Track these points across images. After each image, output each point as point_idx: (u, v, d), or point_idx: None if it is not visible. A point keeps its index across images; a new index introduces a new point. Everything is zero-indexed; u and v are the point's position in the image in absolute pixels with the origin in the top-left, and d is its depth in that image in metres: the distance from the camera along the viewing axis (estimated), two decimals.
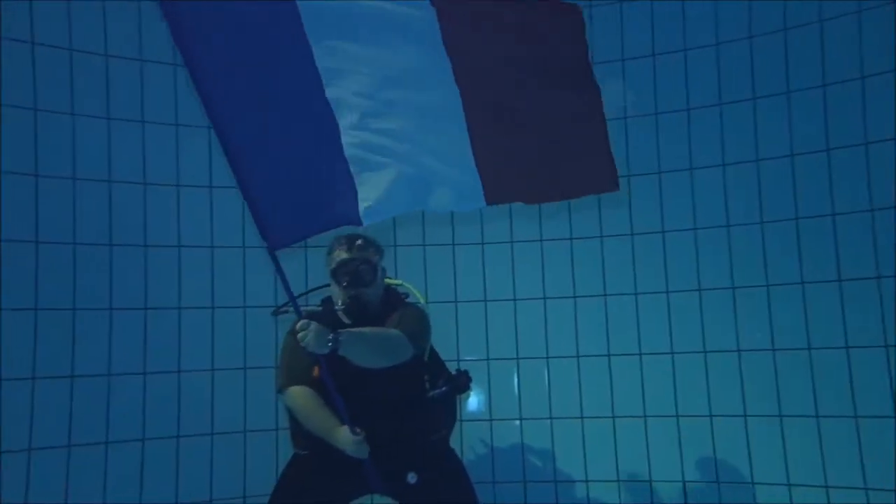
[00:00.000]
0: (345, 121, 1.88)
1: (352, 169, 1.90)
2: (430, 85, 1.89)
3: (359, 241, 2.40)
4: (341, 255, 2.38)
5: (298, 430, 2.36)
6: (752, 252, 3.23)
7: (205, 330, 3.27)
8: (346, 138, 1.89)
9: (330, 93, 1.86)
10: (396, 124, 1.90)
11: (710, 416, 3.25)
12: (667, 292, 3.37)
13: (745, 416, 3.20)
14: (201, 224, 3.30)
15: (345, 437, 2.19)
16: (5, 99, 2.89)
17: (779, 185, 3.20)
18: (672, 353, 3.34)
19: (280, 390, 2.37)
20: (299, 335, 1.96)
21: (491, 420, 3.47)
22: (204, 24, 1.74)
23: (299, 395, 2.29)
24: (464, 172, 1.93)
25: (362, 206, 1.91)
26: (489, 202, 1.95)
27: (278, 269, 1.99)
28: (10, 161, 2.90)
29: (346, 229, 2.12)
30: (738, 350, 3.24)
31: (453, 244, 3.57)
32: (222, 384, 3.28)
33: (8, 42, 2.91)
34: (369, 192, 1.90)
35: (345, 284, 2.35)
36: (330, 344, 1.97)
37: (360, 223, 1.93)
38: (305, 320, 1.98)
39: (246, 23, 1.80)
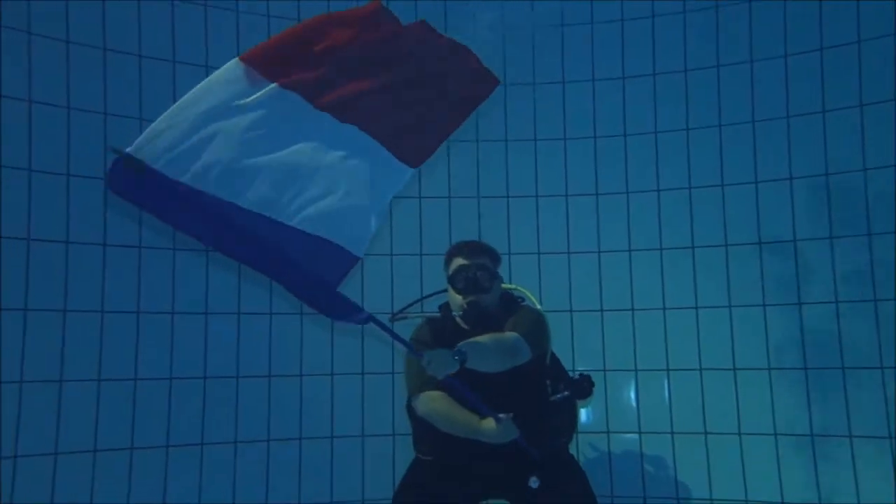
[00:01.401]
0: (282, 214, 1.92)
1: (310, 231, 1.94)
2: (308, 130, 1.93)
3: (476, 248, 2.41)
4: (459, 261, 2.40)
5: (424, 436, 2.39)
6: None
7: (324, 336, 3.37)
8: (291, 221, 1.92)
9: (266, 212, 1.89)
10: (313, 180, 1.95)
11: (850, 436, 3.03)
12: (798, 304, 3.18)
13: (892, 437, 2.96)
14: None
15: (491, 425, 2.17)
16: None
17: None
18: (805, 368, 3.14)
19: (412, 397, 2.38)
20: (427, 369, 1.97)
21: (608, 432, 3.38)
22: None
23: (435, 398, 2.30)
24: (381, 164, 2.00)
25: (345, 247, 1.97)
26: (414, 166, 2.03)
27: (391, 332, 2.01)
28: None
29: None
30: (882, 367, 3.00)
31: (568, 252, 3.52)
32: (341, 388, 3.36)
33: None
34: (337, 234, 1.96)
35: (463, 290, 2.36)
36: (457, 358, 1.98)
37: (357, 258, 2.00)
38: (423, 357, 1.98)
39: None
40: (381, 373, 3.34)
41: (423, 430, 2.35)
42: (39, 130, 2.95)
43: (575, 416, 2.44)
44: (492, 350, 2.13)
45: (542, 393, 2.32)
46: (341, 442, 3.33)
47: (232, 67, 1.85)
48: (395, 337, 2.02)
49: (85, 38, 3.06)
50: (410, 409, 2.44)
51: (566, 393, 2.30)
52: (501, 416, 2.15)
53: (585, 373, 2.35)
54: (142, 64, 3.16)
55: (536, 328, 2.32)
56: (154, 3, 3.20)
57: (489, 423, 2.18)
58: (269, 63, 1.87)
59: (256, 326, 3.29)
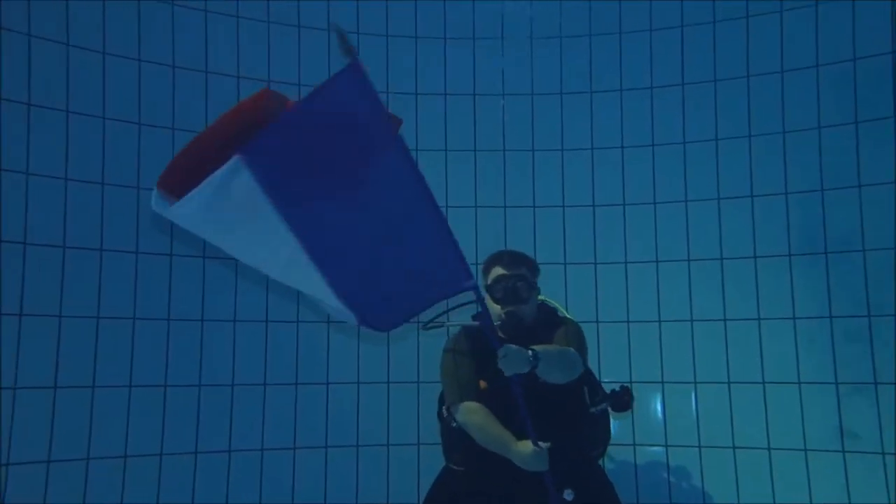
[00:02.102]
0: None
1: None
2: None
3: (516, 258, 2.40)
4: (499, 271, 2.39)
5: (457, 446, 2.38)
6: None
7: (350, 344, 3.38)
8: None
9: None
10: None
11: (883, 453, 2.98)
12: (830, 317, 3.14)
13: None
14: None
15: (525, 450, 2.15)
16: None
17: None
18: (836, 382, 3.10)
19: (452, 406, 2.37)
20: (500, 362, 1.96)
21: (634, 445, 3.35)
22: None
23: (475, 410, 2.28)
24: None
25: None
26: None
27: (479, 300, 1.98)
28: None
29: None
30: None
31: (595, 263, 3.50)
32: (367, 397, 3.37)
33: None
34: None
35: (502, 300, 2.35)
36: (531, 360, 1.97)
37: None
38: (505, 346, 1.97)
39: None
40: (407, 382, 3.34)
41: (456, 439, 2.34)
42: (75, 140, 2.99)
43: (609, 428, 2.44)
44: (560, 362, 2.13)
45: (583, 405, 2.32)
46: (366, 451, 3.33)
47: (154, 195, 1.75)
48: (485, 317, 1.99)
49: (120, 50, 3.11)
50: (442, 418, 2.44)
51: (605, 404, 2.29)
52: (541, 444, 2.12)
53: (626, 384, 2.34)
54: (175, 74, 3.20)
55: (583, 342, 2.33)
56: (184, 9, 3.24)
57: (525, 446, 2.15)
58: (174, 183, 1.74)
59: (283, 335, 3.31)
